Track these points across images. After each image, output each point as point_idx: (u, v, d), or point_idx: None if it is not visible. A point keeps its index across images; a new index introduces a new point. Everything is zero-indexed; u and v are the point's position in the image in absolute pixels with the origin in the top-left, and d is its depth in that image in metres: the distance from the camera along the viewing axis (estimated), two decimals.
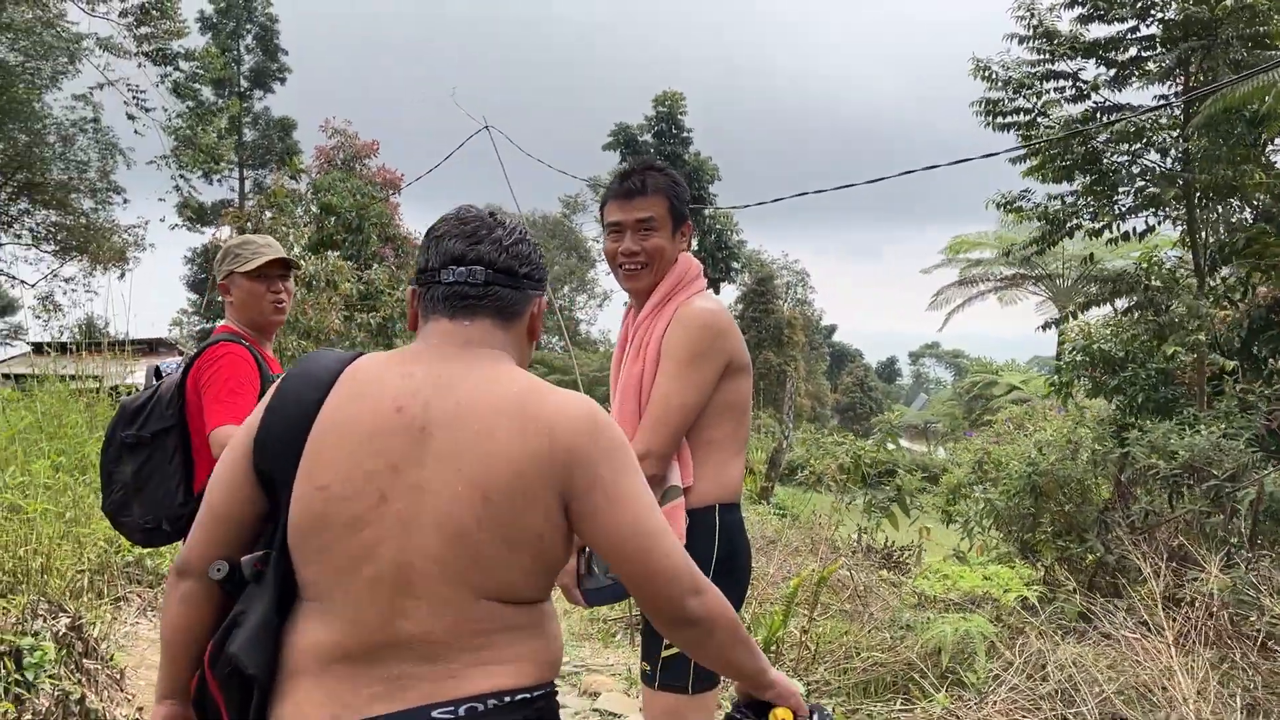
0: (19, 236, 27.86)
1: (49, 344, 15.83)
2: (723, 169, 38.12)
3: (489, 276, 1.54)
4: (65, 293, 28.53)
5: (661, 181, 2.52)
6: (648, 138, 37.44)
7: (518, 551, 1.41)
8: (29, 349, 21.18)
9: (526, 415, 1.44)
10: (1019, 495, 6.07)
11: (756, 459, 17.63)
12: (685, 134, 38.11)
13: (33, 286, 28.75)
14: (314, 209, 16.43)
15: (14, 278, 29.18)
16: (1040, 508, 6.06)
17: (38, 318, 28.78)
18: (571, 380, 23.60)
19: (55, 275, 28.42)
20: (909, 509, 8.16)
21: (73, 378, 10.96)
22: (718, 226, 38.14)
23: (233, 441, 1.54)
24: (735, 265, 39.26)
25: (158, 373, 3.28)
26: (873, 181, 7.97)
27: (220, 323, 3.39)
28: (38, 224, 27.66)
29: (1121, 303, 7.71)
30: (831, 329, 64.48)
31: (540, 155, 11.20)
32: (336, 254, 15.31)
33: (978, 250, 30.71)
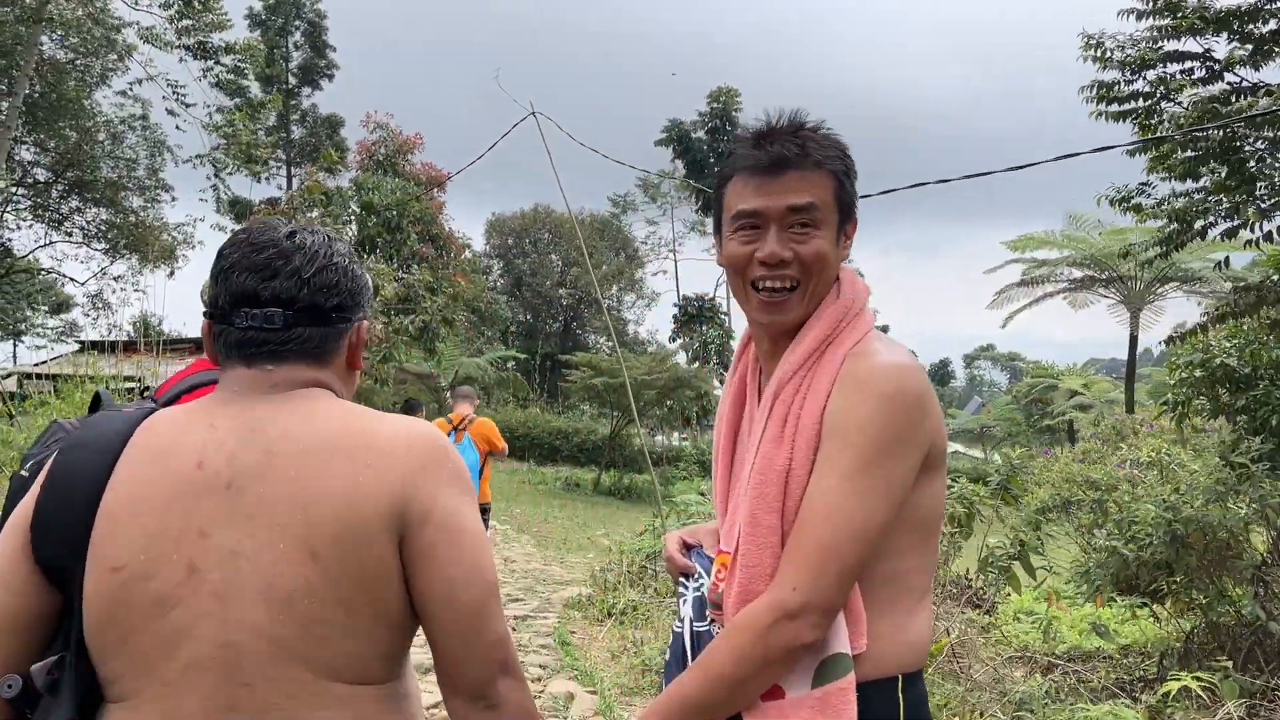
0: (70, 234, 27.89)
1: (92, 344, 15.53)
2: None
3: (288, 319, 1.33)
4: (114, 291, 28.52)
5: (829, 149, 1.58)
6: (701, 134, 36.58)
7: (356, 614, 1.24)
8: (75, 348, 21.07)
9: (352, 448, 1.27)
10: (1158, 547, 5.11)
11: None
12: (740, 132, 37.14)
13: (83, 285, 28.80)
14: (354, 208, 15.85)
15: (65, 275, 29.29)
16: (1179, 559, 5.10)
17: (87, 316, 28.85)
18: (620, 383, 22.88)
19: (105, 274, 28.44)
20: (1034, 570, 7.18)
21: (117, 379, 10.49)
22: None
23: (3, 535, 1.30)
24: None
25: (96, 401, 2.46)
26: (982, 175, 7.00)
27: (198, 358, 2.57)
28: (88, 222, 27.69)
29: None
30: (883, 329, 63.32)
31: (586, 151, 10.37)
32: (375, 256, 14.69)
33: (1044, 250, 29.39)
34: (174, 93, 21.79)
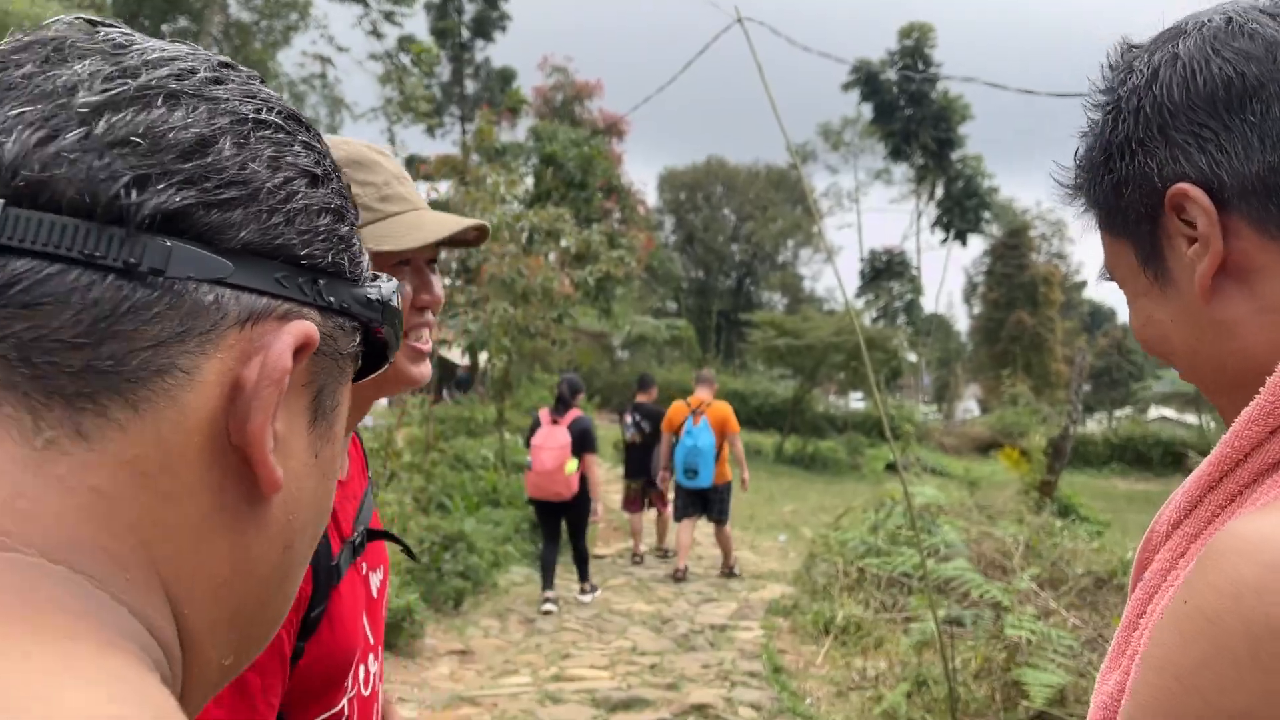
0: None
1: None
2: (975, 106, 34.09)
3: None
4: None
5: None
6: (890, 74, 33.98)
7: None
8: None
9: None
10: None
11: (1033, 444, 14.60)
12: (934, 69, 34.39)
13: None
14: (534, 160, 14.90)
15: None
16: None
17: None
18: (804, 344, 21.31)
19: None
20: None
21: None
22: (967, 172, 34.28)
23: None
24: (985, 215, 35.28)
25: None
26: None
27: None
28: None
29: None
30: (1082, 285, 58.78)
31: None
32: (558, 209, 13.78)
33: None
34: (324, 37, 21.55)
